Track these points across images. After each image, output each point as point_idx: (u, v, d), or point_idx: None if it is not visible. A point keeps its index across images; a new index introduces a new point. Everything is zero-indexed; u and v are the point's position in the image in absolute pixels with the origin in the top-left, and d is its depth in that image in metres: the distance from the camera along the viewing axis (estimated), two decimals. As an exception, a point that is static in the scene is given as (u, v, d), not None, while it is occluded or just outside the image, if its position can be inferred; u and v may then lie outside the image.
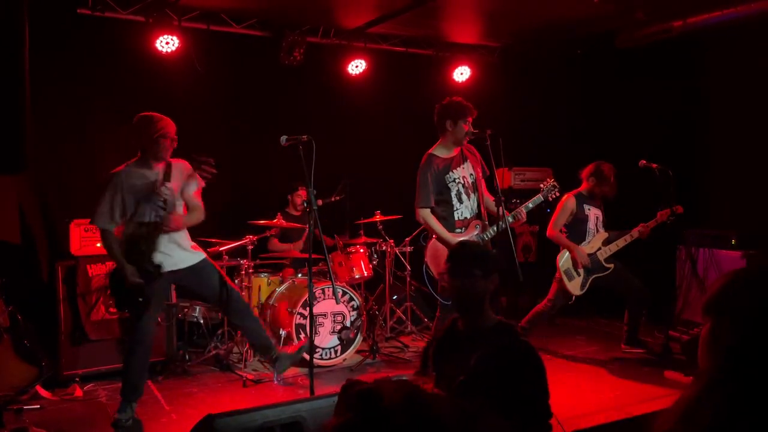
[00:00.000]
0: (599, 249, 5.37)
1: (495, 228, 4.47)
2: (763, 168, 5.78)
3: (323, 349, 5.23)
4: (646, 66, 6.67)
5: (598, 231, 5.45)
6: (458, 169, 4.49)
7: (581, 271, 5.34)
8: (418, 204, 4.45)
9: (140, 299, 3.91)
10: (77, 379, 4.72)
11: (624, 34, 6.40)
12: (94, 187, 5.56)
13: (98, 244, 4.94)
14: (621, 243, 5.34)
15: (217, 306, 4.28)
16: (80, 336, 4.78)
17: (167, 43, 5.53)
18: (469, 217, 4.50)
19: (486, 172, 4.67)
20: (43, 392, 4.47)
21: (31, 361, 4.19)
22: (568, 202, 5.40)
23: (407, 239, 6.04)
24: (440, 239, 4.44)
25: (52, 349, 4.65)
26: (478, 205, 4.57)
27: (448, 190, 4.45)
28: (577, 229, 5.41)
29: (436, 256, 4.46)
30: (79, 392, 4.59)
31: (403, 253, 6.07)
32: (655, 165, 5.27)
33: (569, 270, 5.34)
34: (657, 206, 5.33)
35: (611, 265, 5.35)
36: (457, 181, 4.47)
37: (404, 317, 6.12)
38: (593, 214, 5.44)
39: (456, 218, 4.46)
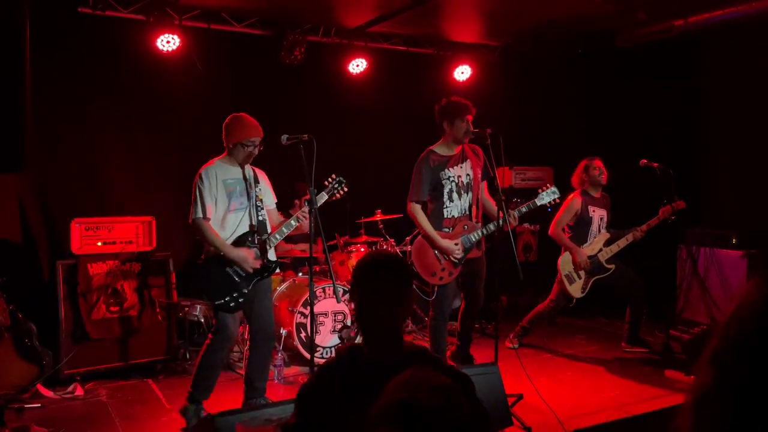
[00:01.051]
0: (600, 250, 5.37)
1: (484, 230, 4.49)
2: (764, 167, 5.78)
3: (324, 348, 5.23)
4: (646, 65, 6.66)
5: (600, 232, 5.44)
6: (454, 167, 4.51)
7: (582, 273, 5.34)
8: (409, 197, 4.49)
9: (244, 291, 3.90)
10: (78, 378, 4.72)
11: (624, 33, 6.40)
12: (94, 186, 5.62)
13: (99, 243, 4.96)
14: (622, 243, 5.34)
15: (254, 325, 4.08)
16: (81, 335, 4.78)
17: (168, 42, 5.53)
18: (457, 216, 4.52)
19: (490, 174, 4.65)
20: (44, 391, 4.47)
21: (32, 360, 4.20)
22: (574, 201, 5.38)
23: (408, 238, 6.03)
24: (425, 236, 4.47)
25: (53, 348, 4.65)
26: (470, 206, 4.58)
27: (442, 187, 4.48)
28: (579, 230, 5.40)
29: (420, 254, 4.50)
30: (80, 391, 4.59)
31: (404, 252, 6.07)
32: (656, 164, 5.27)
33: (570, 273, 5.34)
34: (658, 206, 5.33)
35: (612, 266, 5.35)
36: (451, 179, 4.49)
37: (405, 316, 6.11)
38: (597, 215, 5.43)
39: (445, 216, 4.50)
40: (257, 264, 3.93)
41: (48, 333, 4.63)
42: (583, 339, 6.05)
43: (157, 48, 5.52)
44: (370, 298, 2.02)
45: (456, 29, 6.76)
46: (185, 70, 5.76)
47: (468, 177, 4.56)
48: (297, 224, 4.04)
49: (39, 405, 4.30)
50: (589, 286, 5.35)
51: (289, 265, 5.89)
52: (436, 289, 4.61)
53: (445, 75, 7.04)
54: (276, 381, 4.81)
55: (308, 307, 3.75)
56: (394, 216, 5.91)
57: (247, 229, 3.98)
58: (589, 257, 5.33)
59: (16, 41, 4.65)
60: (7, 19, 4.62)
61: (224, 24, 5.92)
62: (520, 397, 4.21)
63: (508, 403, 3.81)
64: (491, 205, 4.70)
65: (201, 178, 3.92)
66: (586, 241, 5.41)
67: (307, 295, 4.97)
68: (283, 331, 5.11)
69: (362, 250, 5.74)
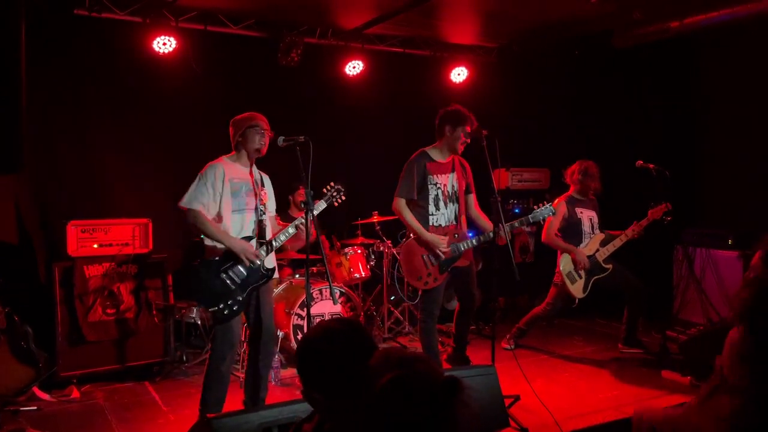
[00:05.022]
0: (597, 250, 5.38)
1: (473, 241, 4.50)
2: (760, 168, 5.79)
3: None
4: (643, 66, 6.68)
5: (593, 233, 5.47)
6: (442, 176, 4.53)
7: (582, 273, 5.34)
8: (397, 193, 4.50)
9: (239, 298, 3.78)
10: (74, 380, 4.72)
11: (621, 34, 6.41)
12: (91, 188, 5.61)
13: (95, 245, 4.95)
14: (617, 243, 5.36)
15: (258, 330, 3.97)
16: (77, 337, 4.77)
17: (164, 44, 5.52)
18: (444, 225, 4.54)
19: (471, 191, 4.74)
20: (40, 394, 4.46)
21: (28, 363, 4.19)
22: (560, 206, 5.42)
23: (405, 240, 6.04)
24: (411, 230, 4.48)
25: (50, 351, 4.64)
26: (456, 217, 4.59)
27: (427, 191, 4.48)
28: (572, 232, 5.42)
29: (408, 258, 4.51)
30: (76, 394, 4.58)
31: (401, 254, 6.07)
32: (652, 165, 5.28)
33: (571, 273, 5.35)
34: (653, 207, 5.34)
35: (610, 266, 5.36)
36: (437, 185, 4.51)
37: (402, 318, 6.13)
38: (586, 216, 5.46)
39: (431, 223, 4.50)
40: (256, 256, 3.83)
41: (44, 335, 4.62)
42: (581, 340, 6.06)
43: (153, 50, 5.52)
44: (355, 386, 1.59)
45: (452, 30, 6.76)
46: (182, 72, 5.76)
47: (453, 188, 4.58)
48: (295, 232, 3.95)
49: (35, 408, 4.28)
50: (590, 286, 5.36)
51: (286, 266, 5.88)
52: (420, 293, 4.63)
53: (442, 76, 7.04)
54: (273, 383, 4.80)
55: (305, 309, 3.74)
56: (391, 218, 5.91)
57: (249, 232, 3.88)
58: (588, 257, 5.35)
59: (12, 43, 4.65)
60: (2, 21, 4.61)
61: (221, 26, 5.92)
62: (517, 398, 4.21)
63: (505, 404, 3.81)
64: (483, 220, 4.73)
65: (206, 171, 3.81)
66: (581, 242, 5.42)
67: (303, 297, 4.97)
68: (280, 333, 5.10)
69: (359, 251, 5.74)
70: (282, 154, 3.94)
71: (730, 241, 5.73)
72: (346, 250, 5.74)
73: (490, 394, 3.59)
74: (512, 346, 5.60)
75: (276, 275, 4.06)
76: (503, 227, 4.27)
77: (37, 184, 5.34)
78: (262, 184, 4.03)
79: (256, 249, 3.87)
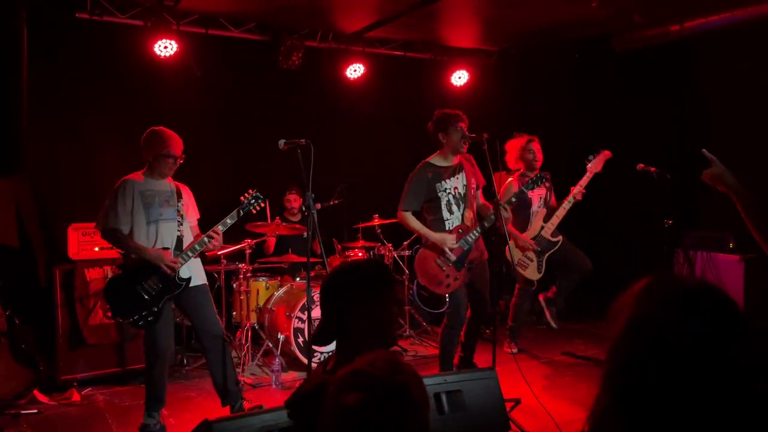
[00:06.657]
0: (542, 227, 5.29)
1: (478, 229, 4.48)
2: (761, 170, 5.78)
3: (321, 353, 5.22)
4: (644, 69, 6.68)
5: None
6: (450, 179, 4.48)
7: (532, 255, 5.28)
8: (400, 206, 4.47)
9: (154, 309, 3.85)
10: (75, 383, 4.72)
11: (621, 37, 6.41)
12: (91, 191, 5.61)
13: (96, 248, 4.96)
14: (561, 213, 5.24)
15: (199, 333, 4.13)
16: (78, 340, 4.77)
17: (165, 47, 5.53)
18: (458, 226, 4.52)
19: (482, 183, 4.70)
20: (41, 397, 4.46)
21: (28, 366, 4.19)
22: (511, 186, 5.28)
23: (405, 243, 6.04)
24: (420, 235, 4.46)
25: (50, 354, 4.64)
26: (464, 216, 4.57)
27: (438, 199, 4.44)
28: (521, 212, 5.31)
29: (422, 266, 4.45)
30: (76, 397, 4.59)
31: (402, 257, 6.08)
32: (653, 168, 5.27)
33: (521, 259, 5.28)
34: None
35: (559, 238, 5.28)
36: (447, 191, 4.46)
37: (402, 321, 6.12)
38: (537, 195, 5.35)
39: (447, 228, 4.46)
40: (174, 263, 3.87)
41: (45, 338, 4.62)
42: (581, 343, 6.05)
43: (154, 53, 5.52)
44: (379, 317, 1.91)
45: (453, 34, 6.77)
46: (183, 76, 5.76)
47: (464, 188, 4.55)
48: (203, 247, 3.99)
49: (35, 411, 4.29)
50: (544, 264, 5.27)
51: (287, 269, 5.88)
52: (447, 299, 4.55)
53: (443, 80, 7.05)
54: (273, 386, 4.81)
55: (306, 312, 3.75)
56: (392, 221, 5.91)
57: (167, 243, 3.94)
58: (534, 238, 5.26)
59: (13, 46, 4.66)
60: (4, 23, 4.62)
61: (222, 29, 5.92)
62: (517, 401, 4.21)
63: (506, 408, 3.80)
64: (487, 208, 4.68)
65: (117, 189, 3.93)
66: (529, 223, 5.33)
67: (304, 300, 4.97)
68: (281, 336, 5.10)
69: (360, 254, 5.74)
70: (281, 157, 3.94)
71: (731, 245, 5.73)
72: (347, 253, 5.74)
73: (491, 398, 3.58)
74: (514, 350, 5.55)
75: (199, 282, 4.06)
76: (501, 220, 4.27)
77: (37, 187, 5.34)
78: (179, 196, 4.08)
79: (174, 258, 3.92)
